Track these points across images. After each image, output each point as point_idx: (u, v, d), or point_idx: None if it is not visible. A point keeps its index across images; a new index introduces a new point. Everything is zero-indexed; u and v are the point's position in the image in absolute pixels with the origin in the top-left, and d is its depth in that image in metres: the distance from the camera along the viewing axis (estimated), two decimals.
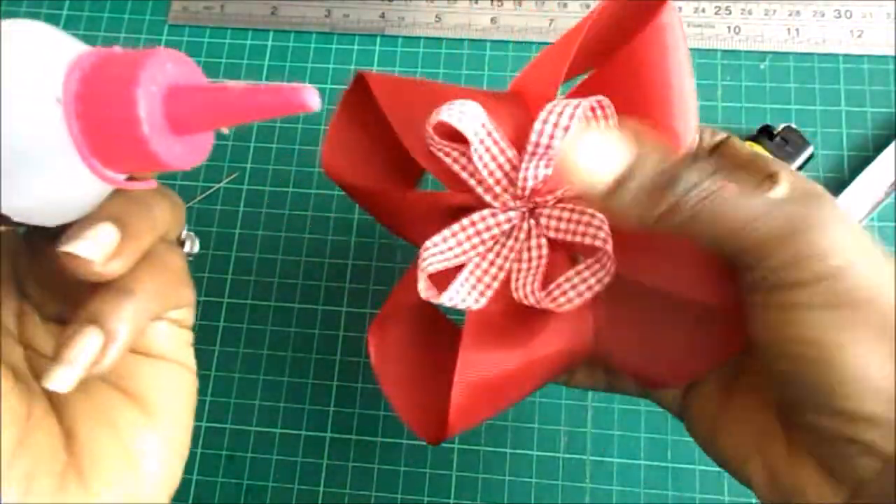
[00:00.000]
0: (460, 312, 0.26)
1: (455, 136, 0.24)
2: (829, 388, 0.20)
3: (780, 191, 0.22)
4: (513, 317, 0.26)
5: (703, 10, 0.43)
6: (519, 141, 0.25)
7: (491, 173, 0.25)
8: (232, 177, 0.40)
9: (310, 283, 0.40)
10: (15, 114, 0.16)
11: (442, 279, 0.26)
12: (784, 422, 0.23)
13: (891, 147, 0.39)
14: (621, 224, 0.23)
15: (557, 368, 0.26)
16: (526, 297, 0.25)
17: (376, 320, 0.28)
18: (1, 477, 0.17)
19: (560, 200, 0.26)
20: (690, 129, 0.24)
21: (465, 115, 0.24)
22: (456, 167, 0.25)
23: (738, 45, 0.42)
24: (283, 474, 0.37)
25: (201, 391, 0.39)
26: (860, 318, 0.20)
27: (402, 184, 0.29)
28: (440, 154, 0.25)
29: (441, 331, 0.28)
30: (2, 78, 0.16)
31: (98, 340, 0.18)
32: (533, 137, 0.24)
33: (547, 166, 0.25)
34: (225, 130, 0.17)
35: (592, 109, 0.25)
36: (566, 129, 0.23)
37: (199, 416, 0.38)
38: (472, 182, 0.25)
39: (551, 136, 0.24)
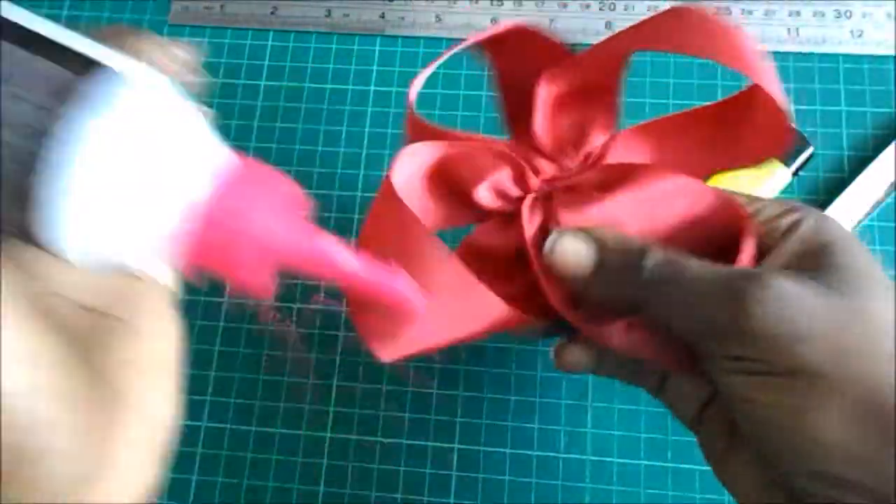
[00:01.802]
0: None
1: None
2: (801, 453, 0.21)
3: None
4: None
5: None
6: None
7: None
8: None
9: (307, 283, 0.40)
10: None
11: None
12: (779, 479, 0.23)
13: (891, 147, 0.39)
14: (604, 308, 0.26)
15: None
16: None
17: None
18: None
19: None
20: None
21: None
22: None
23: None
24: (283, 474, 0.37)
25: (201, 391, 0.39)
26: (814, 385, 0.21)
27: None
28: None
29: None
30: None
31: None
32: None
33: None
34: None
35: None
36: None
37: (199, 416, 0.38)
38: None
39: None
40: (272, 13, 0.45)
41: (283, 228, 0.17)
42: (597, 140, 0.28)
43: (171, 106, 0.16)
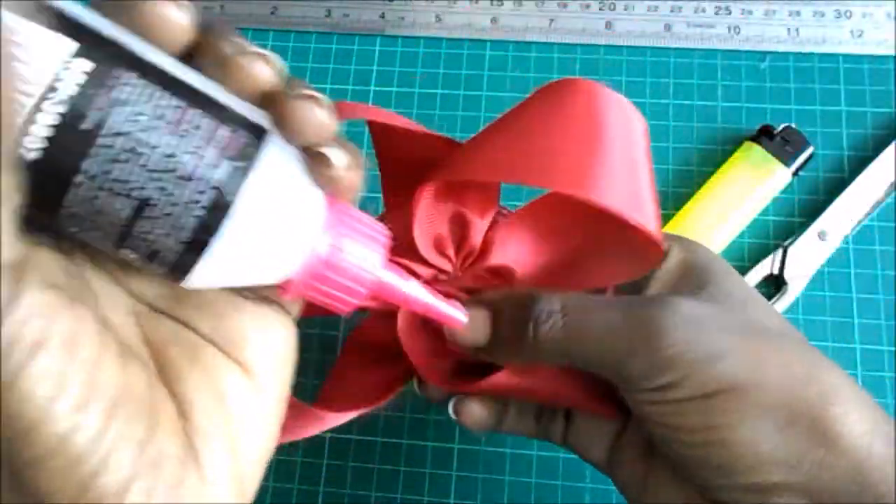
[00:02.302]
0: None
1: None
2: (729, 467, 0.22)
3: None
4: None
5: (704, 10, 0.43)
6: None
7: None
8: None
9: None
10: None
11: None
12: (704, 496, 0.24)
13: (891, 147, 0.39)
14: (511, 367, 0.26)
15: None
16: None
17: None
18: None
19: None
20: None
21: None
22: None
23: (738, 45, 0.42)
24: (283, 474, 0.37)
25: None
26: (736, 399, 0.21)
27: None
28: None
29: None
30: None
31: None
32: None
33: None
34: None
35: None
36: None
37: None
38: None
39: None
40: (272, 13, 0.45)
41: (372, 267, 0.21)
42: (477, 235, 0.26)
43: (296, 163, 0.19)
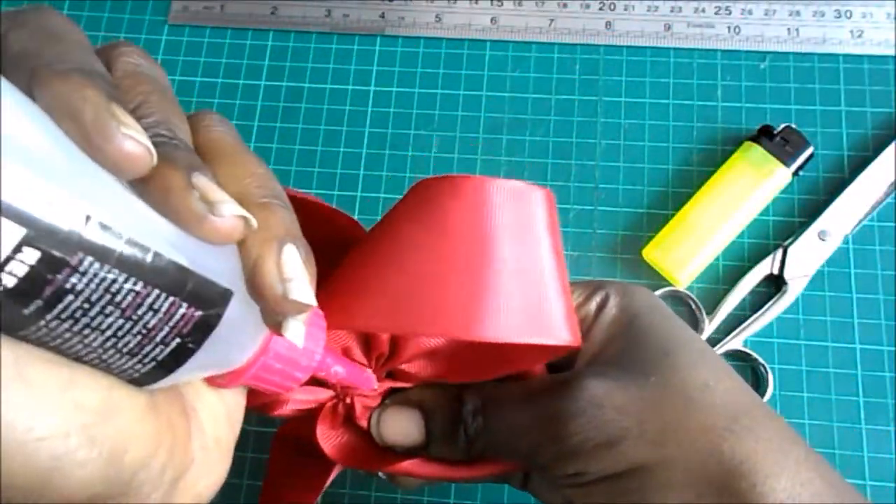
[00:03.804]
0: None
1: None
2: None
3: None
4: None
5: (703, 10, 0.43)
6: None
7: None
8: None
9: None
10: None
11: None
12: None
13: (891, 147, 0.39)
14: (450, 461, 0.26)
15: None
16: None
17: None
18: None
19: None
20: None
21: None
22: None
23: (738, 45, 0.42)
24: None
25: None
26: (642, 478, 0.22)
27: None
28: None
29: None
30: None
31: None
32: None
33: None
34: None
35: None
36: None
37: None
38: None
39: None
40: (272, 13, 0.45)
41: (312, 360, 0.22)
42: (383, 343, 0.25)
43: (251, 312, 0.18)
